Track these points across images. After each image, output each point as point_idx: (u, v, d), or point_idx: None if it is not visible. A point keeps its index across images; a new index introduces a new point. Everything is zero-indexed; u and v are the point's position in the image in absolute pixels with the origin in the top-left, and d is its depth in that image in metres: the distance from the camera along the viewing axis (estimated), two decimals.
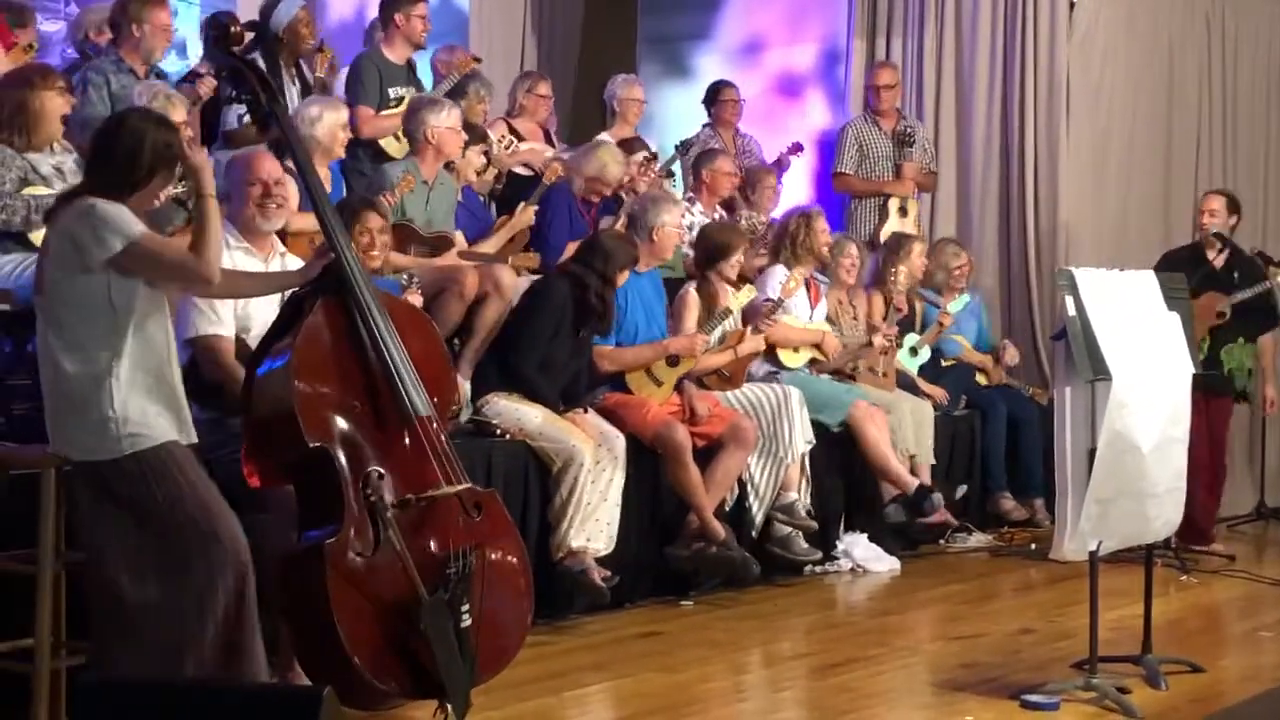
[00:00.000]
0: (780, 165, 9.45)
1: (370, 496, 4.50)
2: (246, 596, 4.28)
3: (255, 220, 5.23)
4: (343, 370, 4.59)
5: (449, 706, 4.56)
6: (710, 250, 7.55)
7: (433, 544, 4.60)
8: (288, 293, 4.81)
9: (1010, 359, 9.21)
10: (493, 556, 4.76)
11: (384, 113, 7.78)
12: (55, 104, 6.00)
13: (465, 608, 4.54)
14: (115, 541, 4.22)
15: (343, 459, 4.50)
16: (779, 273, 7.97)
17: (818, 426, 7.56)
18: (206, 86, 7.30)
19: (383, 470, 4.56)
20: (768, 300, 7.62)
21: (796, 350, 8.02)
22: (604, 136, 9.08)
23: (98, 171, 4.39)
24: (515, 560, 4.90)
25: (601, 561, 6.50)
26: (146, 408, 4.27)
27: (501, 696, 5.31)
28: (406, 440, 4.65)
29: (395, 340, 4.65)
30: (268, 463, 4.58)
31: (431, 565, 4.55)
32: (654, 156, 8.52)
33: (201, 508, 4.26)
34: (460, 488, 4.71)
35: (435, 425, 4.70)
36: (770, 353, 7.88)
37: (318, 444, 4.48)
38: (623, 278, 6.78)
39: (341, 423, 4.54)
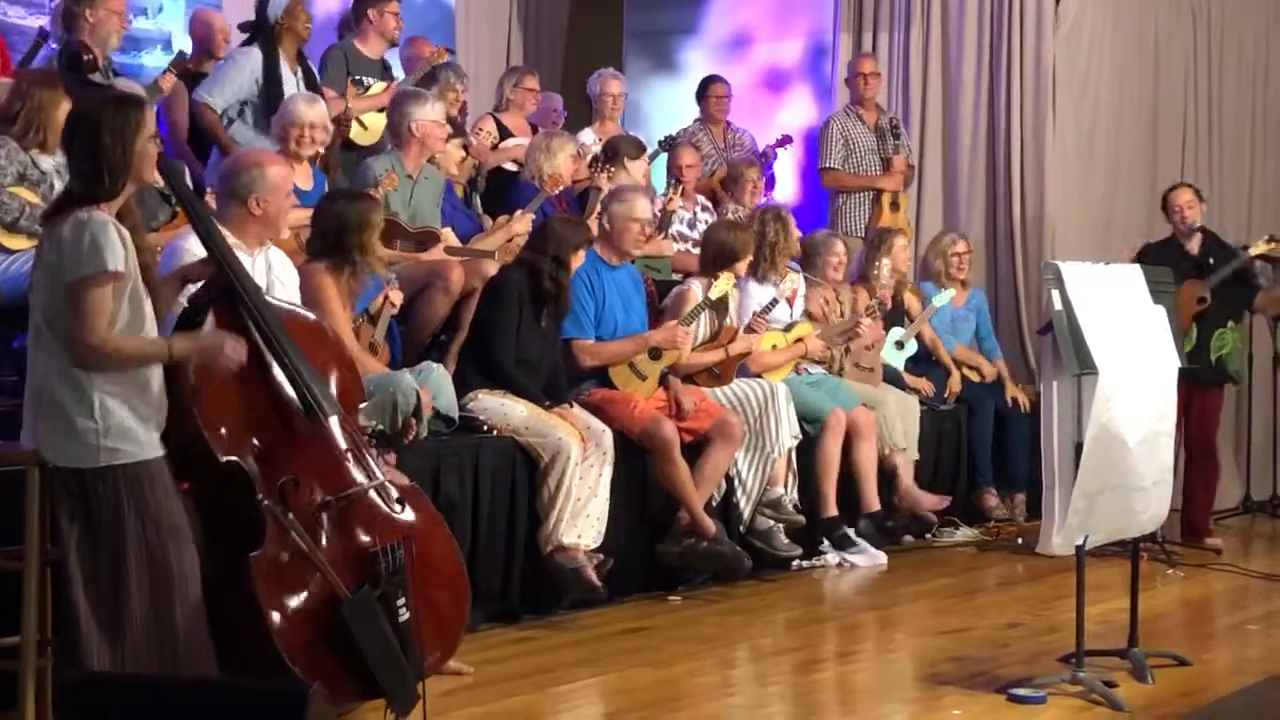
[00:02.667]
0: (765, 158, 9.45)
1: (289, 503, 4.47)
2: (196, 616, 4.28)
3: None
4: (244, 381, 4.51)
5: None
6: (719, 252, 7.51)
7: (359, 542, 4.59)
8: (179, 309, 4.68)
9: (990, 375, 9.16)
10: (422, 547, 4.75)
11: (361, 95, 7.79)
12: (64, 111, 6.00)
13: (401, 602, 4.54)
14: (76, 545, 4.21)
15: (256, 470, 4.46)
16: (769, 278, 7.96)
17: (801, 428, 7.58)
18: (168, 82, 7.28)
19: (298, 476, 4.53)
20: (765, 308, 7.62)
21: (780, 369, 7.99)
22: (586, 132, 9.10)
23: (77, 175, 4.38)
24: (446, 549, 4.91)
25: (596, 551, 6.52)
26: (129, 421, 4.26)
27: (487, 692, 5.32)
28: (317, 443, 4.60)
29: (292, 344, 4.59)
30: (195, 479, 4.50)
31: (361, 563, 4.55)
32: (607, 156, 8.41)
33: (168, 529, 4.25)
34: (376, 483, 4.70)
35: (345, 425, 4.66)
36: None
37: (229, 458, 4.43)
38: (577, 259, 6.73)
39: (250, 434, 4.49)
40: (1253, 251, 8.47)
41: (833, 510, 7.77)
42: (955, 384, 9.01)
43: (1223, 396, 8.71)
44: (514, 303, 6.56)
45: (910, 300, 9.01)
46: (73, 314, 4.21)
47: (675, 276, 8.20)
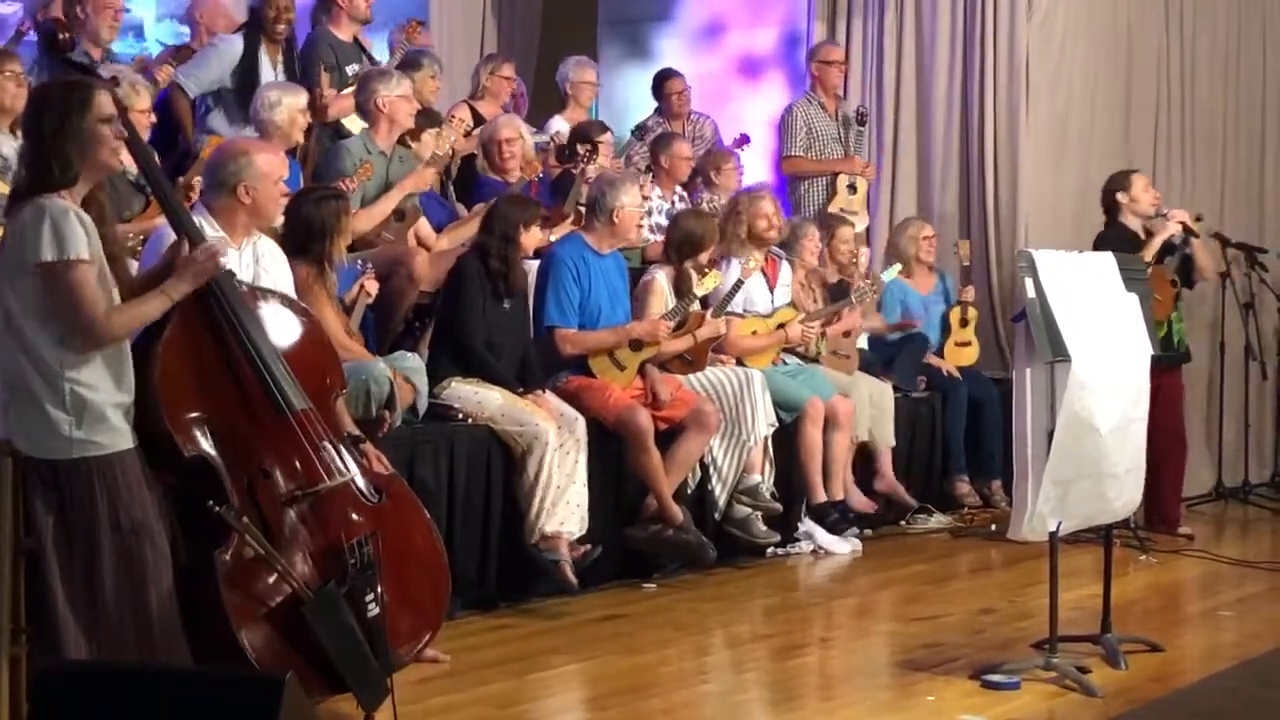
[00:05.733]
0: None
1: (257, 496, 4.46)
2: (169, 605, 4.27)
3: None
4: (211, 375, 4.48)
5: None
6: (684, 239, 7.50)
7: (327, 538, 4.57)
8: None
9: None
10: (401, 535, 4.75)
11: (344, 92, 7.75)
12: (13, 91, 5.97)
13: (370, 597, 4.53)
14: (50, 536, 4.20)
15: (221, 467, 4.44)
16: (735, 260, 7.95)
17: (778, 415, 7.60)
18: (164, 73, 7.26)
19: (265, 468, 4.52)
20: (729, 293, 7.62)
21: (762, 353, 8.00)
22: (557, 120, 9.08)
23: (25, 161, 4.33)
24: (423, 538, 4.90)
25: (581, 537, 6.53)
26: (102, 412, 4.24)
27: (465, 680, 5.33)
28: (285, 436, 4.56)
29: (262, 336, 4.56)
30: (167, 471, 4.46)
31: (330, 559, 4.54)
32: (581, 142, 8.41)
33: (141, 519, 4.24)
34: (345, 478, 4.67)
35: (314, 418, 4.62)
36: (738, 361, 7.85)
37: (192, 453, 4.41)
38: (530, 236, 6.71)
39: (215, 429, 4.45)
40: (1180, 222, 8.43)
41: (821, 496, 7.77)
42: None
43: (1183, 377, 8.73)
44: (472, 286, 6.56)
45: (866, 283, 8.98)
46: (62, 303, 4.18)
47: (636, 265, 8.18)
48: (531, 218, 6.72)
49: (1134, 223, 8.42)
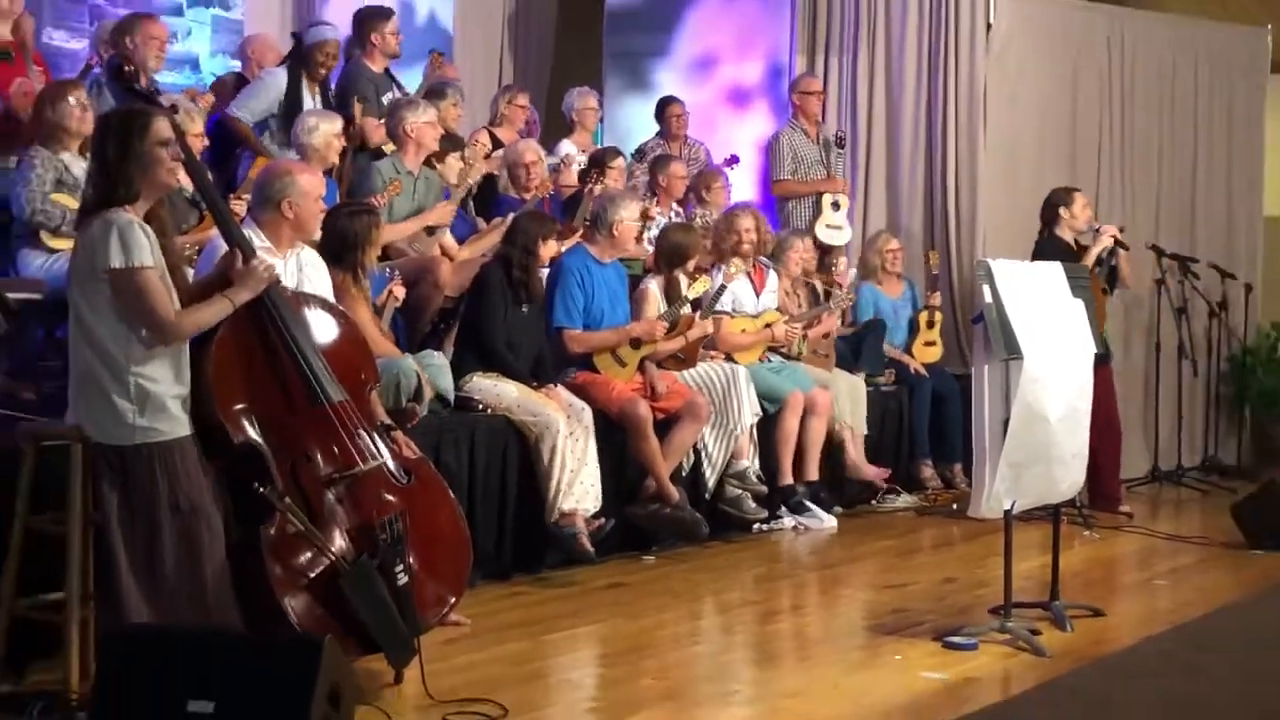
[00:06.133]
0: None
1: (299, 479, 4.45)
2: (222, 576, 4.28)
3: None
4: (258, 370, 4.47)
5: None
6: (672, 249, 7.53)
7: (361, 516, 4.56)
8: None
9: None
10: (428, 513, 4.75)
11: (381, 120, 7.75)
12: (79, 115, 5.98)
13: (400, 567, 4.52)
14: (114, 513, 4.21)
15: (267, 453, 4.42)
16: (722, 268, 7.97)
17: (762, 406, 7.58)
18: (206, 101, 7.26)
19: (307, 454, 4.51)
20: (714, 296, 7.62)
21: (750, 349, 7.99)
22: (565, 143, 9.09)
23: (90, 180, 4.34)
24: (447, 516, 4.89)
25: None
26: (163, 403, 4.25)
27: (484, 641, 5.33)
28: (323, 425, 4.55)
29: (305, 336, 4.56)
30: (220, 456, 4.46)
31: (364, 534, 4.53)
32: (593, 166, 8.37)
33: (197, 499, 4.25)
34: (377, 463, 4.66)
35: (351, 409, 4.61)
36: (727, 357, 7.85)
37: (241, 441, 4.41)
38: (547, 248, 6.71)
39: (261, 419, 4.44)
40: (1111, 236, 8.43)
41: (789, 479, 7.78)
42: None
43: (1111, 373, 8.71)
44: (495, 293, 6.56)
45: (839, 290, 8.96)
46: (132, 305, 4.19)
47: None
48: (549, 232, 6.73)
49: (1068, 235, 8.43)
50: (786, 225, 9.38)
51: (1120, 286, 8.72)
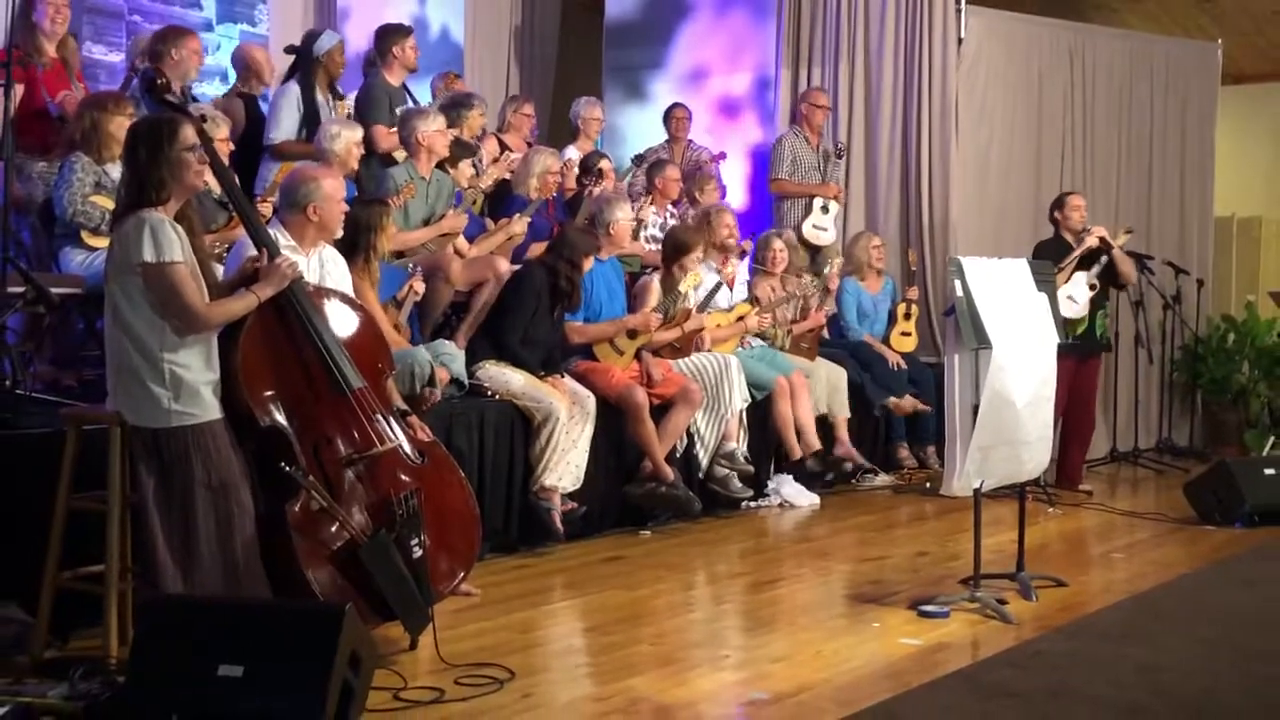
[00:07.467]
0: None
1: (321, 459, 4.44)
2: (251, 549, 4.27)
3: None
4: (283, 360, 4.47)
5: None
6: (676, 247, 7.54)
7: (379, 493, 4.56)
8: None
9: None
10: (440, 492, 4.74)
11: (394, 130, 7.72)
12: (123, 125, 5.96)
13: (415, 541, 4.52)
14: (152, 493, 4.20)
15: (291, 435, 4.42)
16: (710, 262, 7.99)
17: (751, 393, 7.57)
18: (236, 107, 7.23)
19: (329, 436, 4.51)
20: (710, 292, 7.65)
21: (725, 342, 7.98)
22: (570, 149, 9.07)
23: (124, 183, 4.33)
24: (458, 494, 4.88)
25: (575, 496, 6.52)
26: (195, 388, 4.24)
27: (490, 610, 5.33)
28: (344, 410, 4.55)
29: (325, 326, 4.55)
30: (249, 438, 4.45)
31: (382, 510, 4.53)
32: (588, 170, 8.37)
33: (228, 477, 4.25)
34: (394, 445, 4.65)
35: (369, 395, 4.60)
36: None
37: (268, 425, 4.40)
38: (588, 264, 6.76)
39: (286, 404, 4.44)
40: (1116, 242, 8.44)
41: (798, 454, 7.79)
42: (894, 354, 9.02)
43: (1100, 363, 8.73)
44: (533, 295, 6.57)
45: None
46: (165, 298, 4.18)
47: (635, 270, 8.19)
48: (593, 249, 6.78)
49: (1069, 235, 8.44)
50: (781, 224, 9.38)
51: (1124, 282, 8.62)
